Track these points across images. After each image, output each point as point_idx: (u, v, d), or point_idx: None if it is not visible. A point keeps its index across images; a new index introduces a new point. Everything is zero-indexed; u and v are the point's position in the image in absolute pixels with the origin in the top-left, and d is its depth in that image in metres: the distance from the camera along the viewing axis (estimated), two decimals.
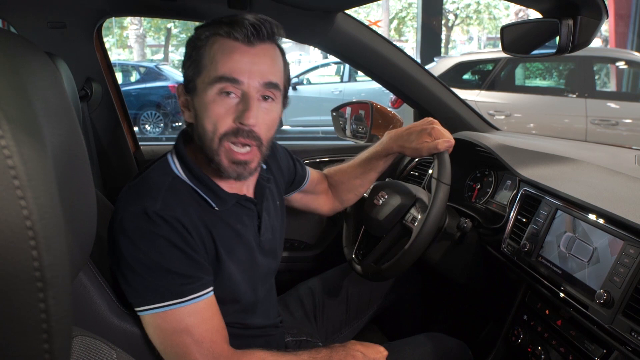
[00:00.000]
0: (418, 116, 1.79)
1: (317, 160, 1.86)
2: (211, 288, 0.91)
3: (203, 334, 0.87)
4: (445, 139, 1.14)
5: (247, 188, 1.03)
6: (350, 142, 1.97)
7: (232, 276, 0.96)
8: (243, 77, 0.87)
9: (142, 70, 10.38)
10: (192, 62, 0.90)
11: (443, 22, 13.36)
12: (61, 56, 1.32)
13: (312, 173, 1.32)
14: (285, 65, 0.97)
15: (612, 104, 4.80)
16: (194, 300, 0.87)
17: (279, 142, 1.26)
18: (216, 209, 0.94)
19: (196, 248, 0.89)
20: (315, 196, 1.34)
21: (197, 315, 0.87)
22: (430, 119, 1.21)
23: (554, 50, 1.05)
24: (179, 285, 0.86)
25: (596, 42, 11.11)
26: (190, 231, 0.88)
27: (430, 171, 1.57)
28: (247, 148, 0.90)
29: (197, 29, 0.92)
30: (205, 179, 0.94)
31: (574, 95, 4.76)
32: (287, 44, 1.22)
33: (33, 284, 0.31)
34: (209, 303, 0.90)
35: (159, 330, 0.87)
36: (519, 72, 5.56)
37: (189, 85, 0.91)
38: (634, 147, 1.71)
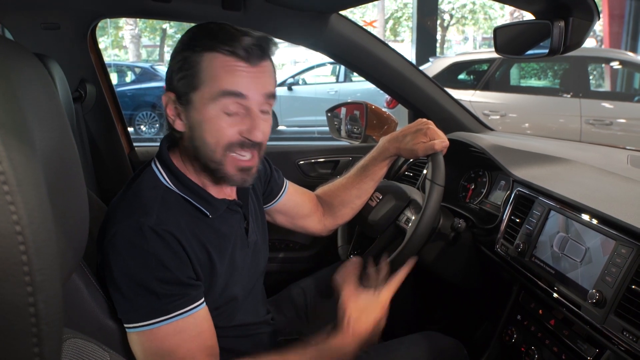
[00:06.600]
0: (412, 117, 1.79)
1: (312, 160, 1.86)
2: (200, 301, 0.88)
3: (185, 354, 0.85)
4: (440, 139, 1.15)
5: (231, 191, 1.04)
6: (345, 143, 1.97)
7: (227, 281, 0.97)
8: (247, 91, 0.87)
9: (137, 70, 10.34)
10: (186, 77, 0.88)
11: (438, 22, 13.37)
12: (55, 57, 1.31)
13: (294, 187, 1.30)
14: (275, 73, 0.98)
15: (607, 104, 4.82)
16: (179, 316, 0.84)
17: (275, 143, 1.25)
18: (210, 216, 0.94)
19: (186, 263, 0.87)
20: (303, 211, 1.30)
21: (182, 334, 0.85)
22: (425, 119, 1.22)
23: (546, 51, 1.05)
24: (164, 304, 0.84)
25: (591, 42, 11.16)
26: (183, 245, 0.87)
27: (424, 171, 1.57)
28: (250, 155, 0.92)
29: (188, 41, 0.90)
30: (195, 188, 0.94)
31: (569, 95, 4.78)
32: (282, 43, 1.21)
33: (23, 288, 0.31)
34: (198, 317, 0.87)
35: (142, 348, 0.85)
36: (513, 72, 5.58)
37: (182, 99, 0.90)
38: (627, 147, 1.72)
